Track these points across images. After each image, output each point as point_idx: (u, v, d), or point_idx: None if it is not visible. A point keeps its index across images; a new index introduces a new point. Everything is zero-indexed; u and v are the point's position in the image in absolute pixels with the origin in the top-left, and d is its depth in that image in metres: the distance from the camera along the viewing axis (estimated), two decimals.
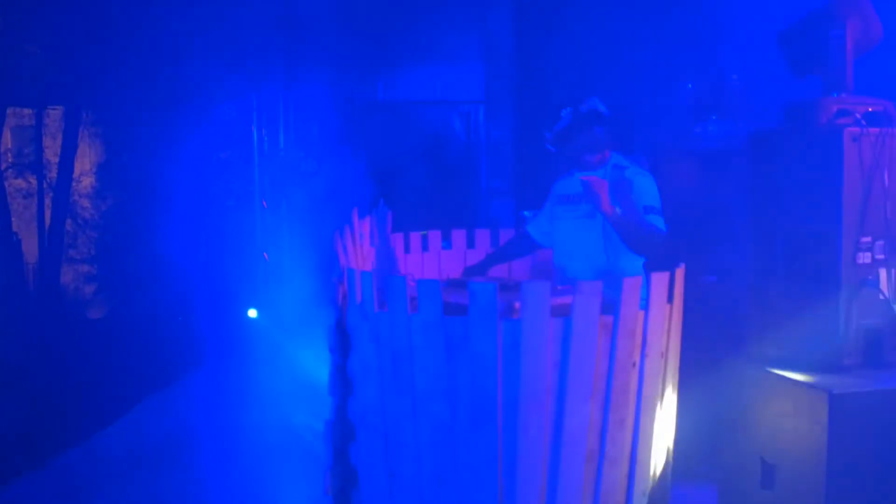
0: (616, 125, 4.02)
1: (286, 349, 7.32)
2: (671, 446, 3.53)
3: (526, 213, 5.46)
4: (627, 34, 6.11)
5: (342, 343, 3.42)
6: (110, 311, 9.16)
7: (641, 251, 3.81)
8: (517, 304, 3.05)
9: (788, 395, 3.52)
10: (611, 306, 3.08)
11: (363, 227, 4.16)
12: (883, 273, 3.49)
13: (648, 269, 3.47)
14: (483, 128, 7.49)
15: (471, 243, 4.82)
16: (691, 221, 4.98)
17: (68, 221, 9.20)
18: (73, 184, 9.21)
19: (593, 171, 3.95)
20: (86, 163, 9.89)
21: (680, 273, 3.41)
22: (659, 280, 3.21)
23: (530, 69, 6.95)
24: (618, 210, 3.69)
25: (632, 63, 5.96)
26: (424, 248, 4.74)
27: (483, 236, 4.85)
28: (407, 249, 4.70)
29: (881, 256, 3.49)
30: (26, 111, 9.45)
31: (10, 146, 9.71)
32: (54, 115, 9.39)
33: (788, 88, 4.06)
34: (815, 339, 3.56)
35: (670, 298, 3.31)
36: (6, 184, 8.91)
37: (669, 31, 5.86)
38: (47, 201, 9.07)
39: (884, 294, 3.47)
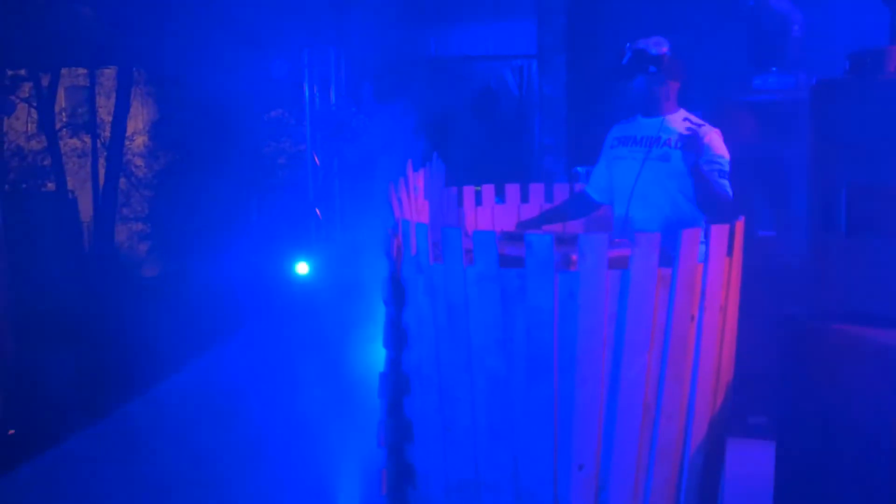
0: (671, 72, 3.95)
1: (339, 304, 7.36)
2: (730, 401, 3.48)
3: (579, 168, 5.41)
4: None
5: (397, 296, 3.41)
6: (163, 269, 9.27)
7: (711, 213, 3.77)
8: (574, 257, 3.02)
9: (852, 351, 3.45)
10: (669, 259, 3.04)
11: (417, 179, 4.14)
12: None
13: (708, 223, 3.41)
14: (536, 83, 7.41)
15: (524, 198, 4.79)
16: (750, 175, 4.90)
17: (122, 180, 9.31)
18: (127, 143, 9.30)
19: (658, 118, 3.92)
20: (139, 122, 9.98)
21: (739, 226, 3.35)
22: (718, 233, 3.15)
23: (583, 24, 6.86)
24: (704, 167, 3.66)
25: (687, 14, 5.85)
26: (478, 202, 4.71)
27: (537, 191, 4.80)
28: (460, 203, 4.68)
29: None
30: (80, 71, 9.55)
31: (63, 106, 9.82)
32: (108, 74, 9.47)
33: (851, 39, 3.95)
34: (880, 294, 3.48)
35: (730, 252, 3.25)
36: (61, 143, 9.02)
37: None
38: (101, 161, 9.18)
39: None
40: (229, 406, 5.83)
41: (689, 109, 4.05)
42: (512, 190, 4.79)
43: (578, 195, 4.43)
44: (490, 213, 4.73)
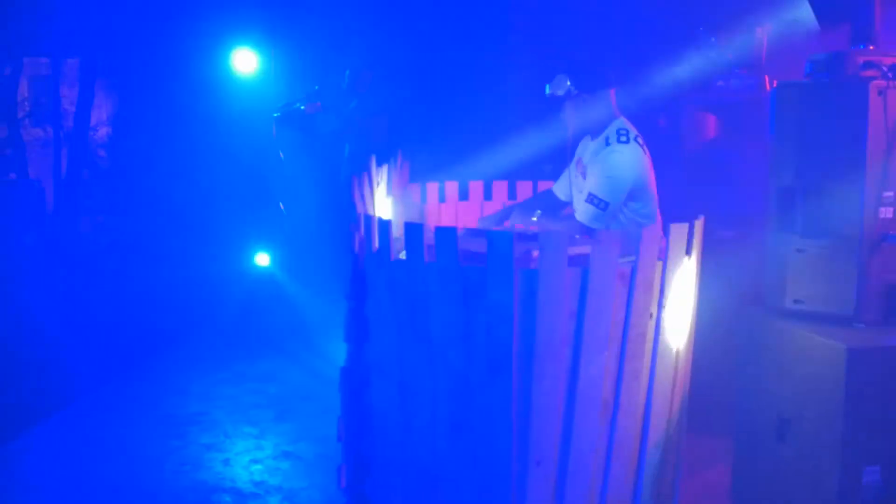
0: (589, 103, 3.98)
1: (300, 296, 7.37)
2: (686, 399, 3.52)
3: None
4: None
5: (359, 290, 3.41)
6: (126, 262, 9.19)
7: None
8: (535, 253, 3.04)
9: (806, 350, 3.50)
10: None
11: (380, 174, 4.15)
12: None
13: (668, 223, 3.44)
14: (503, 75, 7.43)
15: (488, 195, 4.81)
16: (711, 176, 4.96)
17: (85, 172, 9.21)
18: (90, 133, 9.21)
19: (597, 137, 3.96)
20: (102, 113, 9.87)
21: (699, 225, 3.38)
22: (677, 232, 3.19)
23: (549, 22, 6.89)
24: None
25: (653, 19, 5.89)
26: (441, 198, 4.72)
27: (500, 188, 4.82)
28: (423, 199, 4.69)
29: None
30: (43, 61, 9.43)
31: (27, 96, 9.70)
32: (71, 65, 9.35)
33: (813, 42, 4.00)
34: (833, 293, 3.54)
35: (688, 251, 3.29)
36: (23, 133, 8.91)
37: None
38: (64, 152, 9.07)
39: None
40: (185, 398, 5.81)
41: (645, 113, 4.06)
42: (476, 187, 4.81)
43: (546, 193, 4.45)
44: (454, 209, 4.75)
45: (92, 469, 4.66)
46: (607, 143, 3.94)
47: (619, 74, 4.16)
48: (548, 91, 3.98)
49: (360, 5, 7.63)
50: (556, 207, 4.36)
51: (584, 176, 4.03)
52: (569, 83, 3.94)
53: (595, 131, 4.02)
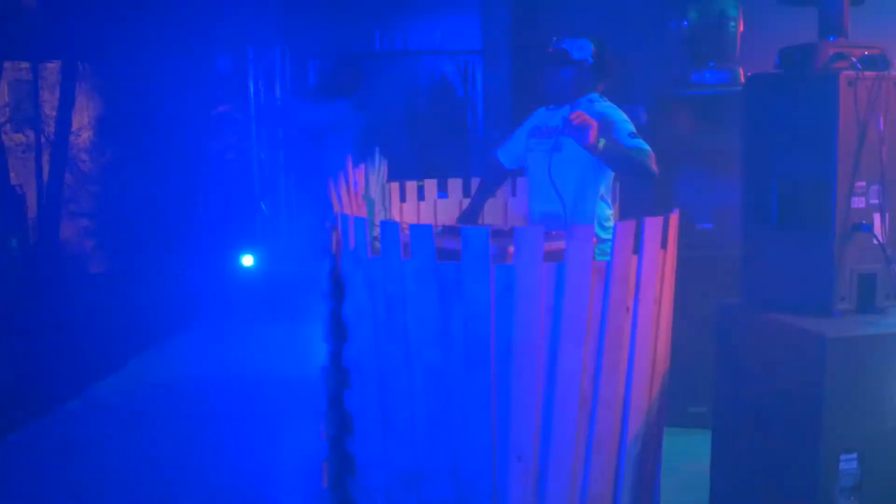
0: (595, 72, 4.05)
1: (283, 296, 7.37)
2: (665, 391, 3.54)
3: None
4: None
5: (336, 290, 3.43)
6: (110, 266, 9.18)
7: (640, 177, 3.91)
8: (510, 250, 3.06)
9: (782, 341, 3.52)
10: None
11: (357, 174, 4.16)
12: (877, 218, 3.47)
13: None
14: (480, 77, 7.46)
15: (467, 192, 4.82)
16: (688, 169, 4.98)
17: (67, 176, 9.19)
18: (72, 138, 9.19)
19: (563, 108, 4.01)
20: (84, 117, 9.85)
21: (674, 218, 3.40)
22: (653, 225, 3.21)
23: (527, 18, 6.90)
24: (602, 143, 3.71)
25: (628, 9, 5.91)
26: (420, 197, 4.74)
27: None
28: (403, 198, 4.70)
29: (875, 201, 3.48)
30: (23, 65, 9.40)
31: (7, 100, 9.66)
32: (52, 68, 9.33)
33: (787, 34, 4.02)
34: (808, 284, 3.56)
35: (664, 244, 3.31)
36: (4, 138, 8.89)
37: None
38: (45, 156, 9.05)
39: (878, 239, 3.46)
40: (170, 404, 5.81)
41: (626, 103, 4.13)
42: (454, 184, 4.83)
43: (489, 163, 4.53)
44: (432, 207, 4.76)
45: None
46: (591, 101, 4.05)
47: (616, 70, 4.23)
48: (562, 48, 4.02)
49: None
50: (500, 175, 4.51)
51: (547, 139, 4.10)
52: (593, 51, 4.00)
53: (563, 102, 4.09)
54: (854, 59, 3.44)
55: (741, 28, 5.12)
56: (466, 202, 4.75)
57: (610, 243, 3.12)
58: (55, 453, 4.95)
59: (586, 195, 4.04)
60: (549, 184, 3.99)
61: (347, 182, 3.93)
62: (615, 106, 4.07)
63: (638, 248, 3.17)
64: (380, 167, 4.69)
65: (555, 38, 4.07)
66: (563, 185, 3.98)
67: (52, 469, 4.73)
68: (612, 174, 4.08)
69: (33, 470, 4.76)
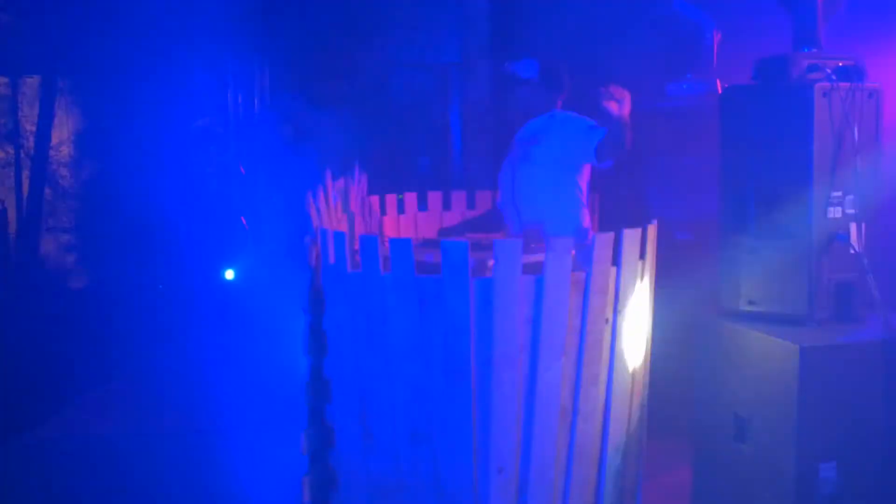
0: (547, 89, 4.16)
1: (263, 309, 7.33)
2: (645, 402, 3.56)
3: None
4: None
5: (316, 303, 3.42)
6: (91, 281, 9.14)
7: (623, 147, 3.97)
8: (490, 262, 3.07)
9: (760, 350, 3.55)
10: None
11: (336, 188, 4.16)
12: (853, 227, 3.51)
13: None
14: (459, 89, 7.47)
15: (447, 205, 4.83)
16: (665, 180, 5.01)
17: (47, 191, 9.15)
18: (52, 153, 9.15)
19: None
20: (64, 132, 9.81)
21: (652, 229, 3.42)
22: (631, 237, 3.22)
23: (504, 30, 6.93)
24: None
25: (604, 22, 5.93)
26: (400, 210, 4.74)
27: (459, 198, 4.85)
28: (383, 211, 4.71)
29: (851, 211, 3.52)
30: (2, 80, 9.37)
31: None
32: (31, 83, 9.30)
33: (762, 45, 4.06)
34: (785, 293, 3.59)
35: (642, 255, 3.33)
36: None
37: None
38: (25, 171, 9.02)
39: (854, 248, 3.50)
40: (153, 420, 5.78)
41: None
42: (434, 198, 4.84)
43: (495, 209, 4.59)
44: (413, 220, 4.77)
45: None
46: (552, 116, 4.26)
47: (571, 82, 4.31)
48: (510, 70, 4.13)
49: None
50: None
51: (529, 148, 4.21)
52: (539, 69, 4.12)
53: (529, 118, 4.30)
54: (828, 71, 3.48)
55: (717, 39, 5.15)
56: (446, 215, 4.78)
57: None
58: (28, 472, 4.92)
59: (559, 199, 4.14)
60: (512, 195, 4.13)
61: (326, 196, 3.94)
62: (571, 112, 4.24)
63: (616, 260, 3.19)
64: (359, 181, 4.70)
65: (506, 63, 4.19)
66: (527, 194, 4.10)
67: (25, 485, 4.70)
68: (585, 176, 4.18)
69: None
